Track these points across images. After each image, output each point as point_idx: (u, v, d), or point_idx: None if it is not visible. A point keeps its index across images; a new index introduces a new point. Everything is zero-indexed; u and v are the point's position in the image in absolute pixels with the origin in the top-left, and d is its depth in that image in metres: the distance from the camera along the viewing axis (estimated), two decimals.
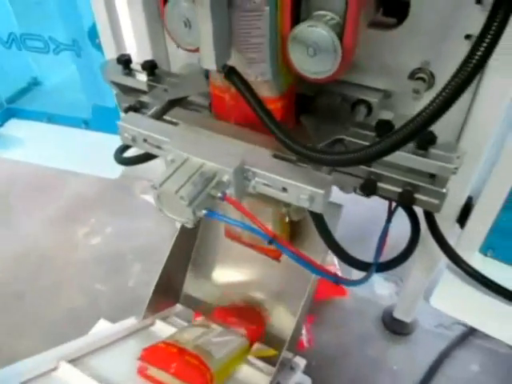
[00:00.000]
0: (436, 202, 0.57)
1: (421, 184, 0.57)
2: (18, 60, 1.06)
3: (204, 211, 0.50)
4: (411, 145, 0.54)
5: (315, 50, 0.50)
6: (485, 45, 0.35)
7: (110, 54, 0.80)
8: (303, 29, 0.49)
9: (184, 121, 0.63)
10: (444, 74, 0.61)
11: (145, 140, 0.60)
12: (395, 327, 0.99)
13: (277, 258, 0.82)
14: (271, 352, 0.81)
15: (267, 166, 0.53)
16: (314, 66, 0.51)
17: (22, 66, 1.10)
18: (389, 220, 0.71)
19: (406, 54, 0.62)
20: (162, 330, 0.84)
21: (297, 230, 0.85)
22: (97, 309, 1.04)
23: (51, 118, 1.05)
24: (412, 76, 0.63)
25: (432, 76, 0.62)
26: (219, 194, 0.52)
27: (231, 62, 0.53)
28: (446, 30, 0.58)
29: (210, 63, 0.49)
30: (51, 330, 1.00)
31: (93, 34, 0.80)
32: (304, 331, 0.98)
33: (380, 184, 0.60)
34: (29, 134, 1.06)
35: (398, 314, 0.98)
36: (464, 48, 0.58)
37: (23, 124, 1.08)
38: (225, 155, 0.53)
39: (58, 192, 1.33)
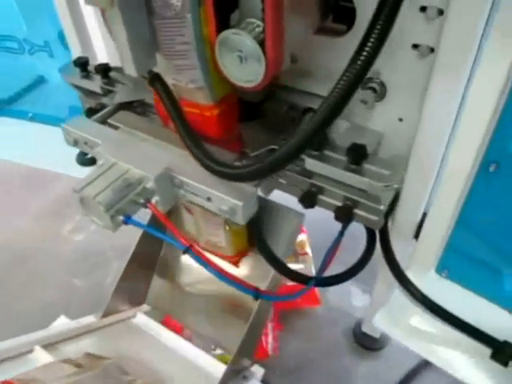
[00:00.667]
0: (375, 218, 0.55)
1: (359, 200, 0.55)
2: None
3: (122, 217, 0.50)
4: (344, 159, 0.51)
5: (241, 58, 0.48)
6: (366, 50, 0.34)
7: (77, 55, 0.81)
8: (228, 35, 0.48)
9: (129, 125, 0.63)
10: (395, 83, 0.59)
11: (85, 143, 0.60)
12: (365, 341, 0.96)
13: (235, 264, 0.81)
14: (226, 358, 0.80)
15: (194, 174, 0.53)
16: (243, 74, 0.50)
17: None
18: (341, 233, 0.68)
19: None
20: (122, 330, 0.85)
21: None
22: (69, 304, 1.06)
23: (34, 117, 1.07)
24: (363, 85, 0.61)
25: (383, 86, 0.60)
26: (141, 201, 0.51)
27: (161, 68, 0.53)
28: (393, 38, 0.55)
29: (129, 69, 0.48)
30: (21, 322, 1.02)
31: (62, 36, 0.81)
32: (270, 339, 0.96)
33: (321, 196, 0.58)
34: (14, 132, 1.09)
35: (366, 328, 0.95)
36: (412, 58, 0.55)
37: (8, 122, 1.11)
38: (151, 162, 0.53)
39: (46, 190, 1.36)
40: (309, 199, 0.57)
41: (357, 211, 0.56)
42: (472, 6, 0.45)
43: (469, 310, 0.61)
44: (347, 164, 0.51)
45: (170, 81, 0.54)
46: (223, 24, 0.49)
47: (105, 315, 0.84)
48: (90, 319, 0.84)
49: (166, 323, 0.92)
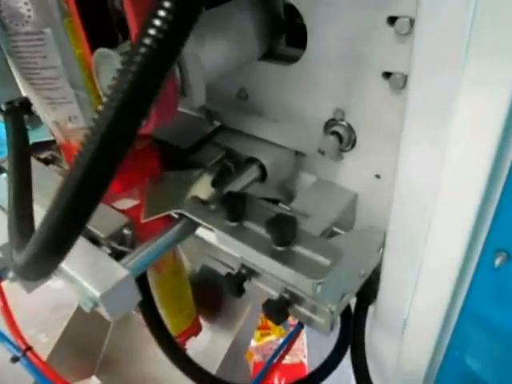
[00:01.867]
0: (320, 321, 0.37)
1: (299, 294, 0.37)
2: None
3: None
4: (266, 238, 0.35)
5: None
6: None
7: None
8: (99, 58, 0.34)
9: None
10: (367, 127, 0.42)
11: None
12: None
13: (182, 344, 0.65)
14: None
15: None
16: None
17: None
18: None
19: (312, 98, 0.44)
20: None
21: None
22: None
23: None
24: (325, 129, 0.45)
25: (351, 130, 0.44)
26: None
27: (36, 103, 0.40)
28: (357, 65, 0.40)
29: None
30: None
31: None
32: None
33: (256, 281, 0.42)
34: None
35: None
36: (384, 91, 0.39)
37: None
38: None
39: None
40: (235, 284, 0.40)
41: (297, 308, 0.38)
42: (450, 9, 0.29)
43: None
44: (271, 245, 0.34)
45: (50, 120, 0.41)
46: (106, 42, 0.35)
47: None
48: None
49: None
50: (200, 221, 0.37)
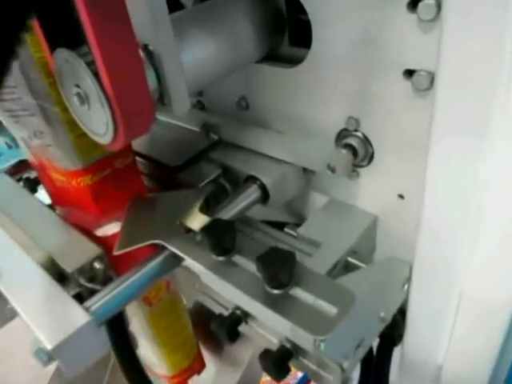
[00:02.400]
0: (328, 377, 0.30)
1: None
2: None
3: None
4: (260, 277, 0.28)
5: (81, 98, 0.29)
6: None
7: None
8: (60, 59, 0.28)
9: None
10: (386, 138, 0.35)
11: None
12: None
13: None
14: None
15: None
16: (91, 124, 0.30)
17: None
18: None
19: (321, 105, 0.38)
20: None
21: None
22: None
23: None
24: (339, 142, 0.38)
25: (367, 142, 0.37)
26: None
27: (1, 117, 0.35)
28: (372, 63, 0.33)
29: None
30: None
31: None
32: None
33: (253, 325, 0.35)
34: None
35: None
36: (405, 93, 0.32)
37: None
38: None
39: None
40: (226, 328, 0.34)
41: (302, 360, 0.31)
42: None
43: None
44: (268, 288, 0.27)
45: (18, 136, 0.36)
46: (70, 43, 0.30)
47: None
48: None
49: None
50: (180, 254, 0.31)
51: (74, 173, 0.35)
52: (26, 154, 0.38)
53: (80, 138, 0.34)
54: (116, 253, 0.32)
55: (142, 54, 0.30)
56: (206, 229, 0.30)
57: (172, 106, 0.31)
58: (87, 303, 0.30)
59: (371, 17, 0.31)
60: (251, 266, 0.29)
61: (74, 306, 0.29)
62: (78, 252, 0.33)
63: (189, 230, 0.33)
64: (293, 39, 0.40)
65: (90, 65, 0.26)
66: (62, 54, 0.28)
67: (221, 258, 0.30)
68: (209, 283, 0.31)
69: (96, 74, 0.26)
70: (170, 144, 0.44)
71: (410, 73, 0.31)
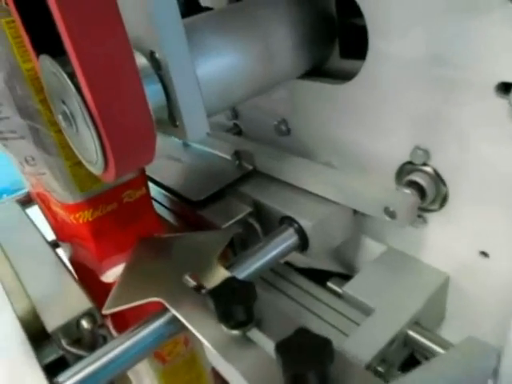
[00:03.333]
0: None
1: None
2: None
3: None
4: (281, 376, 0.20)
5: (67, 118, 0.23)
6: None
7: None
8: (45, 68, 0.23)
9: None
10: (461, 176, 0.26)
11: None
12: None
13: None
14: None
15: None
16: (82, 150, 0.24)
17: None
18: None
19: (379, 131, 0.29)
20: None
21: None
22: None
23: None
24: (401, 179, 0.30)
25: (440, 180, 0.28)
26: None
27: None
28: (449, 75, 0.24)
29: None
30: None
31: None
32: None
33: None
34: None
35: None
36: (497, 114, 0.23)
37: None
38: None
39: None
40: None
41: None
42: None
43: None
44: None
45: (14, 162, 0.30)
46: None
47: None
48: None
49: None
50: (183, 320, 0.23)
51: (71, 207, 0.29)
52: (24, 181, 0.33)
53: (77, 167, 0.28)
54: (104, 312, 0.25)
55: (145, 63, 0.24)
56: (214, 292, 0.22)
57: (185, 130, 0.24)
58: (60, 378, 0.23)
59: (450, 21, 0.23)
60: (271, 346, 0.21)
61: (40, 381, 0.22)
62: (65, 305, 0.27)
63: (200, 287, 0.26)
64: (344, 49, 0.33)
65: (73, 76, 0.20)
66: (46, 62, 0.22)
67: (233, 332, 0.22)
68: (215, 363, 0.23)
69: (79, 89, 0.20)
70: (195, 173, 0.38)
71: (505, 87, 0.22)
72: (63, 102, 0.23)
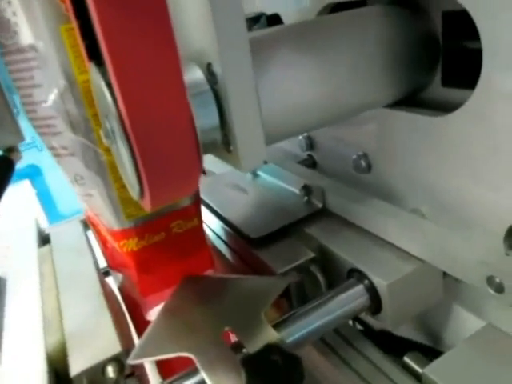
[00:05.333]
0: None
1: None
2: None
3: None
4: None
5: (108, 132, 0.20)
6: None
7: None
8: (94, 78, 0.21)
9: None
10: None
11: None
12: None
13: None
14: None
15: None
16: (123, 170, 0.21)
17: None
18: None
19: (485, 177, 0.23)
20: None
21: None
22: None
23: None
24: (511, 241, 0.23)
25: None
26: None
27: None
28: None
29: None
30: None
31: None
32: None
33: None
34: None
35: None
36: None
37: None
38: None
39: None
40: None
41: None
42: None
43: None
44: None
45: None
46: None
47: None
48: None
49: None
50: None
51: (117, 233, 0.27)
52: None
53: (125, 190, 0.25)
54: (129, 362, 0.22)
55: (200, 76, 0.20)
56: (249, 363, 0.18)
57: (238, 156, 0.21)
58: None
59: None
60: None
61: None
62: (94, 347, 0.24)
63: (239, 347, 0.21)
64: (448, 76, 0.27)
65: (112, 87, 0.18)
66: (93, 70, 0.20)
67: None
68: None
69: (116, 101, 0.18)
70: (258, 207, 0.34)
71: None
72: (106, 117, 0.20)
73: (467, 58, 0.25)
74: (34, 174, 1.39)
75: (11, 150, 0.27)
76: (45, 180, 1.42)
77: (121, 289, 0.34)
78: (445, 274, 0.26)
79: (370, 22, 0.25)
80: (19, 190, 1.32)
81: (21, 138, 0.27)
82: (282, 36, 0.24)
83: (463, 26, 0.23)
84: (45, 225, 0.46)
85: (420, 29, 0.26)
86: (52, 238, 0.38)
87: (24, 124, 0.28)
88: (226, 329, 0.22)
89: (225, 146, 0.21)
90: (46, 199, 1.43)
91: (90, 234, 0.38)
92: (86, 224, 0.40)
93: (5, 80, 0.27)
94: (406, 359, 0.28)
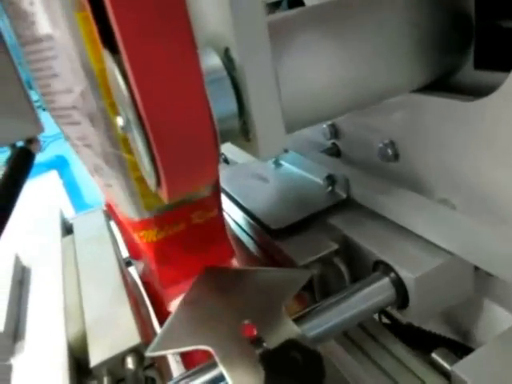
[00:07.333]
0: None
1: None
2: None
3: None
4: None
5: (124, 121, 0.20)
6: None
7: None
8: (109, 66, 0.20)
9: None
10: None
11: None
12: None
13: None
14: None
15: None
16: (140, 160, 0.21)
17: None
18: None
19: None
20: None
21: None
22: None
23: None
24: None
25: None
26: None
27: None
28: None
29: None
30: None
31: None
32: None
33: None
34: None
35: None
36: None
37: None
38: None
39: None
40: None
41: None
42: None
43: None
44: None
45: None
46: None
47: None
48: None
49: None
50: (228, 378, 0.18)
51: (136, 224, 0.27)
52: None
53: (144, 180, 0.25)
54: (147, 355, 0.22)
55: (218, 63, 0.20)
56: (267, 358, 0.17)
57: (257, 145, 0.20)
58: None
59: None
60: None
61: None
62: (114, 338, 0.24)
63: (258, 340, 0.21)
64: (481, 58, 0.25)
65: (126, 75, 0.17)
66: (108, 59, 0.19)
67: None
68: None
69: (130, 88, 0.17)
70: (280, 197, 0.33)
71: None
72: (121, 105, 0.20)
73: (502, 39, 0.24)
74: (61, 164, 1.42)
75: (31, 141, 0.27)
76: (71, 171, 1.45)
77: (142, 278, 0.34)
78: (476, 267, 0.24)
79: (395, 0, 0.24)
80: (47, 181, 1.36)
81: (40, 129, 0.27)
82: (302, 19, 0.23)
83: (498, 4, 0.21)
84: (71, 214, 0.46)
85: (450, 7, 0.25)
86: (75, 228, 0.39)
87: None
88: (246, 322, 0.22)
89: (243, 134, 0.21)
90: (72, 189, 1.47)
91: (113, 223, 0.39)
92: (109, 214, 0.41)
93: (24, 72, 0.26)
94: (434, 356, 0.26)
